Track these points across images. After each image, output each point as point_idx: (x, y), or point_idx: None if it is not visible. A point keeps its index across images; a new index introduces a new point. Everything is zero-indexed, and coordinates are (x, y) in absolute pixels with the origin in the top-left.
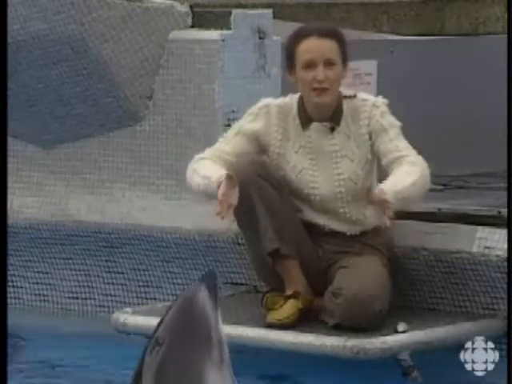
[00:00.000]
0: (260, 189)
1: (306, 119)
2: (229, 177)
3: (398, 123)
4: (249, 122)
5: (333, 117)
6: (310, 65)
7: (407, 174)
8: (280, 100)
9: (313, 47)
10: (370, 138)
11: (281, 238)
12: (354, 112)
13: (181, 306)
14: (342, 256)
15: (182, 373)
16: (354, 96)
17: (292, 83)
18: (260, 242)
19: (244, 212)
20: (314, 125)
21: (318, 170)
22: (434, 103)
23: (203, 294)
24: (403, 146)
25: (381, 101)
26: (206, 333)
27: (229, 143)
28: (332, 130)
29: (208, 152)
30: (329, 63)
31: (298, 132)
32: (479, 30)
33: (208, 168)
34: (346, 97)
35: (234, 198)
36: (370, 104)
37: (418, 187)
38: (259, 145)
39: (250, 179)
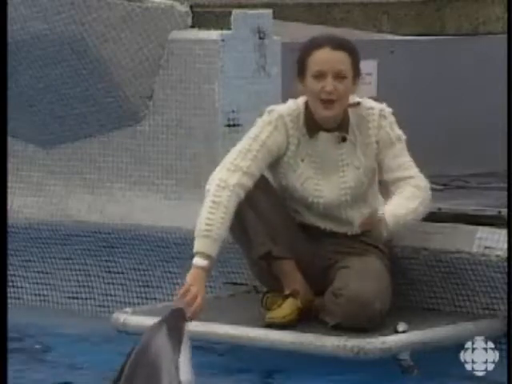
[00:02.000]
0: (248, 194)
1: (313, 127)
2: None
3: (403, 137)
4: (270, 135)
5: (341, 126)
6: (319, 75)
7: (410, 199)
8: (287, 107)
9: (324, 58)
10: (378, 146)
11: (272, 240)
12: (360, 121)
13: (137, 353)
14: (343, 256)
15: None
16: (358, 104)
17: (300, 92)
18: (251, 247)
19: (233, 219)
20: (323, 134)
21: (324, 178)
22: (434, 103)
23: (162, 337)
24: (407, 165)
25: (387, 110)
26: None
27: (255, 160)
28: (343, 140)
29: (236, 174)
30: (339, 76)
31: (305, 140)
32: (479, 30)
33: (219, 212)
34: (350, 105)
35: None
36: (377, 113)
37: (418, 213)
38: (276, 157)
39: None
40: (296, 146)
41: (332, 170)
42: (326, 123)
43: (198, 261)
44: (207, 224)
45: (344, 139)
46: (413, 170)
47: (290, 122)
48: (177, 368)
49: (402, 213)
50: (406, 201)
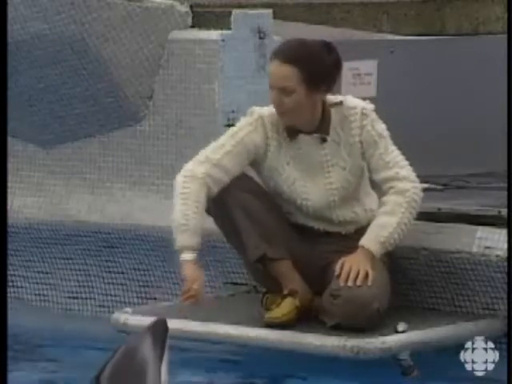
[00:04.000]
0: (237, 197)
1: (292, 130)
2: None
3: (386, 132)
4: (249, 133)
5: (320, 127)
6: (270, 87)
7: (393, 212)
8: (268, 110)
9: (272, 72)
10: (362, 146)
11: (266, 242)
12: (343, 120)
13: (122, 357)
14: (339, 255)
15: None
16: (341, 103)
17: None
18: (246, 251)
19: (226, 223)
20: (302, 137)
21: (310, 181)
22: (434, 103)
23: (147, 345)
24: (392, 163)
25: (369, 108)
26: None
27: (228, 154)
28: (323, 141)
29: (204, 165)
30: (284, 91)
31: (288, 143)
32: (479, 30)
33: (193, 205)
34: (331, 105)
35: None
36: (359, 112)
37: (406, 222)
38: (255, 157)
39: (227, 189)
40: (277, 149)
41: (317, 172)
42: (303, 126)
43: (185, 256)
44: (183, 218)
45: (324, 140)
46: (397, 168)
47: (269, 124)
48: (159, 376)
49: (385, 235)
50: (388, 217)
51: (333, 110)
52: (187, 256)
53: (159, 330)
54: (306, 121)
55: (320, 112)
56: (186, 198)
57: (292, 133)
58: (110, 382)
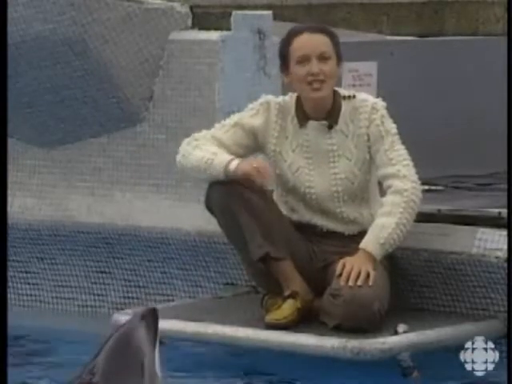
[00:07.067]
0: (241, 196)
1: (303, 117)
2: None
3: (394, 130)
4: (249, 117)
5: (330, 115)
6: (303, 60)
7: (391, 213)
8: (281, 98)
9: (306, 42)
10: (369, 139)
11: (269, 241)
12: (353, 112)
13: (115, 344)
14: (340, 257)
15: None
16: (354, 97)
17: (287, 83)
18: (249, 250)
19: (229, 222)
20: (311, 123)
21: (315, 168)
22: (433, 104)
23: (141, 332)
24: (395, 160)
25: (380, 104)
26: (138, 372)
27: (226, 132)
28: (330, 128)
29: (204, 136)
30: (323, 57)
31: (296, 130)
32: (479, 31)
33: (214, 147)
34: (345, 97)
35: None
36: (369, 105)
37: (405, 222)
38: (256, 140)
39: (230, 188)
40: (283, 135)
41: (323, 160)
42: (316, 111)
43: (234, 163)
44: (215, 149)
45: (330, 127)
46: (399, 166)
47: (276, 110)
48: (154, 362)
49: (384, 236)
50: (386, 218)
51: (344, 103)
52: (235, 161)
53: (151, 319)
54: (327, 97)
55: (331, 100)
56: (207, 145)
57: (302, 120)
58: (105, 367)
